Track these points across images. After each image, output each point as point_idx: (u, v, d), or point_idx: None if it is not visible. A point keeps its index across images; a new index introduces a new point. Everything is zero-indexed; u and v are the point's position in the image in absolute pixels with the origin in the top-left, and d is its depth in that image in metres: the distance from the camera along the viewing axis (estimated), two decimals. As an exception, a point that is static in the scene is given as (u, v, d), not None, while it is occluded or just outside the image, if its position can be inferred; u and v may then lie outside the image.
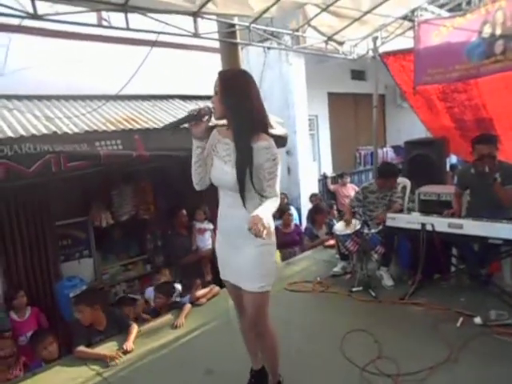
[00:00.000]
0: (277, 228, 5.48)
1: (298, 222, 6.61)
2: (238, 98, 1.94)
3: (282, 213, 5.81)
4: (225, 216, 2.12)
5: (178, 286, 4.10)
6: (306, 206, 7.36)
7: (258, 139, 1.93)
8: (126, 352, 3.05)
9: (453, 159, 8.72)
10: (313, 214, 5.83)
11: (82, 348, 3.11)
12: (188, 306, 3.73)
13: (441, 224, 3.45)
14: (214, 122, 2.09)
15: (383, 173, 4.27)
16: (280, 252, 5.44)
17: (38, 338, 3.42)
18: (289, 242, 5.64)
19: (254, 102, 1.97)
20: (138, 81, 4.16)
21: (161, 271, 4.89)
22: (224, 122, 2.06)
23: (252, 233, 1.69)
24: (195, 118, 1.99)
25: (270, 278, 2.08)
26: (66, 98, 4.95)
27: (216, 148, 2.08)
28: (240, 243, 2.04)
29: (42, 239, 4.56)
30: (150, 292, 4.57)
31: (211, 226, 5.66)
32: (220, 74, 2.02)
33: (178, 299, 3.96)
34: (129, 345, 3.12)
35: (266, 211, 1.80)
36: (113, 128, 4.26)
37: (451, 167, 8.04)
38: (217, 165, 2.06)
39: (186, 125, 2.06)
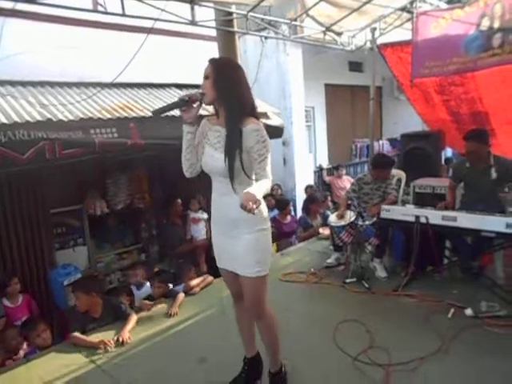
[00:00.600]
0: (275, 218, 5.52)
1: (292, 213, 6.63)
2: (230, 83, 1.99)
3: (282, 205, 5.84)
4: (218, 205, 2.14)
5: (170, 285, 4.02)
6: (301, 197, 7.37)
7: (247, 122, 1.97)
8: (122, 342, 3.03)
9: (448, 152, 8.76)
10: (308, 204, 5.85)
11: (76, 334, 3.11)
12: (182, 295, 3.74)
13: (435, 216, 3.47)
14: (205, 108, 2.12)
15: (378, 164, 4.28)
16: (278, 242, 5.47)
17: (30, 326, 3.42)
18: (288, 231, 5.68)
19: (244, 88, 2.03)
20: (134, 68, 4.12)
21: (135, 267, 4.53)
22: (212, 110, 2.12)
23: (243, 208, 1.70)
24: (186, 103, 2.02)
25: (266, 263, 2.11)
26: (61, 84, 4.89)
27: (207, 135, 2.12)
28: (235, 231, 2.07)
29: (36, 227, 4.54)
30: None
31: (205, 216, 5.66)
32: (212, 60, 2.06)
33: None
34: (124, 335, 3.09)
35: (257, 189, 1.82)
36: (108, 116, 4.22)
37: (446, 160, 8.07)
38: (207, 152, 2.09)
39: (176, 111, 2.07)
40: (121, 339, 3.05)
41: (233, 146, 1.96)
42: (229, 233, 2.11)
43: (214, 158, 2.04)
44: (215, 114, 2.12)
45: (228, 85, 1.99)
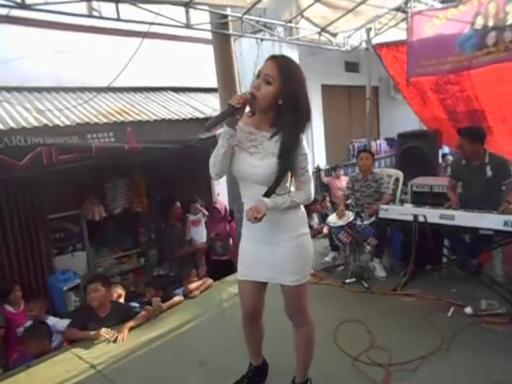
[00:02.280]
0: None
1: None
2: (300, 89, 1.83)
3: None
4: None
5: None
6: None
7: None
8: (115, 340, 3.05)
9: (445, 149, 8.76)
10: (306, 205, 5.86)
11: (72, 329, 3.13)
12: (178, 298, 3.72)
13: (433, 215, 3.47)
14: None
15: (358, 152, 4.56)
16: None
17: (27, 333, 3.39)
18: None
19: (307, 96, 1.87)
20: (130, 73, 4.12)
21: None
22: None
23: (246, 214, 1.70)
24: (238, 110, 1.77)
25: (307, 270, 2.04)
26: (57, 90, 4.90)
27: (237, 137, 1.86)
28: (276, 238, 1.95)
29: (34, 232, 4.55)
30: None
31: (205, 213, 5.64)
32: (276, 58, 1.81)
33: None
34: (124, 330, 3.10)
35: (275, 202, 1.79)
36: (105, 120, 4.23)
37: (443, 156, 8.10)
38: (241, 157, 1.87)
39: None
40: (117, 335, 3.07)
41: (290, 159, 1.83)
42: (268, 239, 1.96)
43: (251, 165, 1.84)
44: (248, 111, 1.87)
45: (297, 91, 1.82)
